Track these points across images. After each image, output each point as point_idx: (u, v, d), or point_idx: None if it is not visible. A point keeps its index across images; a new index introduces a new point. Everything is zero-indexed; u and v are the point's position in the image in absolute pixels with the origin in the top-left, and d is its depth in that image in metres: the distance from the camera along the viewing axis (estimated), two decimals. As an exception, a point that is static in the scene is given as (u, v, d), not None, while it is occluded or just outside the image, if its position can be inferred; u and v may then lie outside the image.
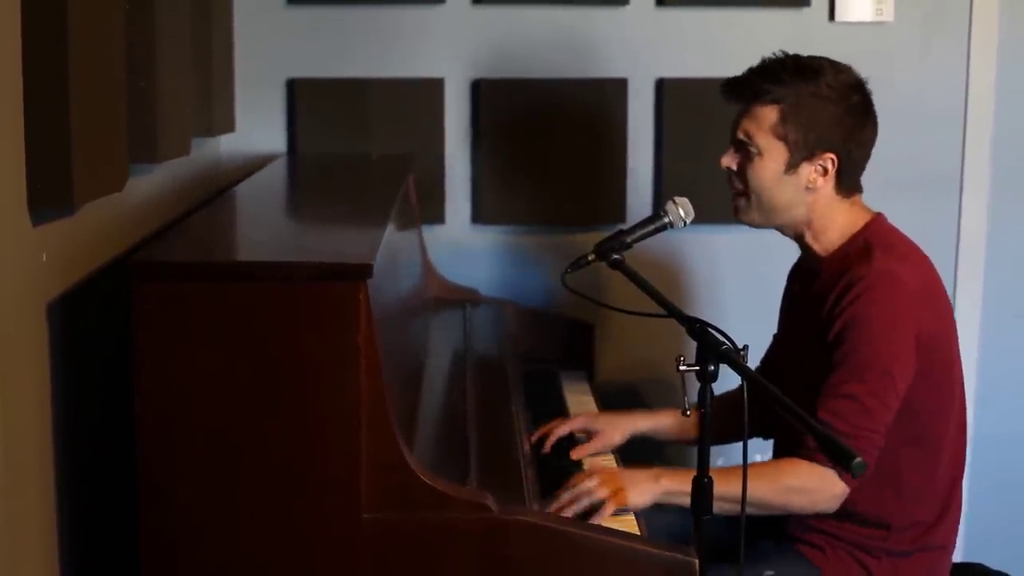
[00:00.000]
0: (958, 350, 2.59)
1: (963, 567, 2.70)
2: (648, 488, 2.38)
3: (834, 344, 2.43)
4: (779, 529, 2.58)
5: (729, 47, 3.56)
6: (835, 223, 2.57)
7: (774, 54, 2.56)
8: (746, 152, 2.55)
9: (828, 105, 2.50)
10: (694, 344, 2.07)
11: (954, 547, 2.62)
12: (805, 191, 2.54)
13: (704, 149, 3.54)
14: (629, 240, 2.45)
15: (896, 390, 2.41)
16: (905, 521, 2.52)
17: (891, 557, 2.53)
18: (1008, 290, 3.72)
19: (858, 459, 1.80)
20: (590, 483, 2.37)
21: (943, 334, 2.53)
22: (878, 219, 2.59)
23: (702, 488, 2.06)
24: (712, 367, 2.02)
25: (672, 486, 2.36)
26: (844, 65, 2.55)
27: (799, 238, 2.62)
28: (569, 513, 2.32)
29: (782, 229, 2.62)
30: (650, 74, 3.58)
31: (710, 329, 2.07)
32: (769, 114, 2.51)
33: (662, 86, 3.57)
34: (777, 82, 2.51)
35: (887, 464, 2.44)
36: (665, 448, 2.93)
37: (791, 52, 2.56)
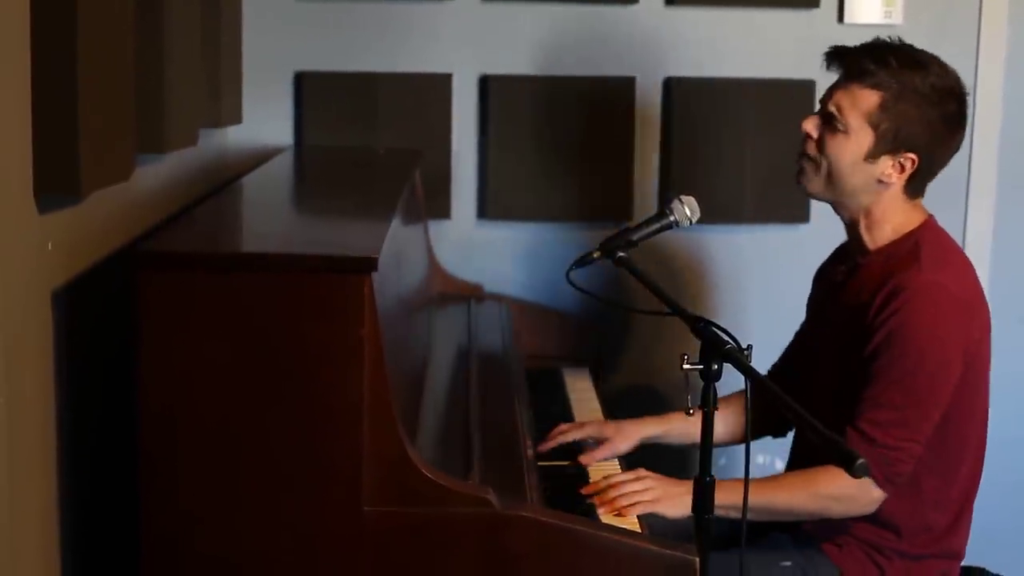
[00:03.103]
0: (990, 361, 2.58)
1: (964, 570, 2.69)
2: (684, 502, 2.33)
3: (876, 353, 2.41)
4: (794, 523, 2.58)
5: (738, 47, 3.57)
6: (892, 220, 2.54)
7: (888, 37, 2.53)
8: (831, 125, 2.51)
9: (925, 105, 2.46)
10: (698, 343, 2.07)
11: (964, 556, 2.62)
12: (876, 183, 2.51)
13: (711, 148, 3.56)
14: (635, 238, 2.45)
15: (939, 402, 2.41)
16: (918, 525, 2.51)
17: (903, 560, 2.52)
18: (1013, 294, 3.72)
19: (860, 461, 1.80)
20: (635, 485, 2.39)
21: (982, 346, 2.52)
22: (929, 221, 2.56)
23: (704, 488, 2.06)
24: (716, 366, 2.03)
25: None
26: (952, 69, 2.51)
27: (852, 224, 2.58)
28: (607, 506, 2.35)
29: (839, 209, 2.59)
30: (658, 73, 3.58)
31: (714, 328, 2.07)
32: (868, 97, 2.47)
33: (670, 85, 3.57)
34: (885, 67, 2.46)
35: None
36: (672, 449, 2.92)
37: (899, 41, 2.52)
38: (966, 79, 3.59)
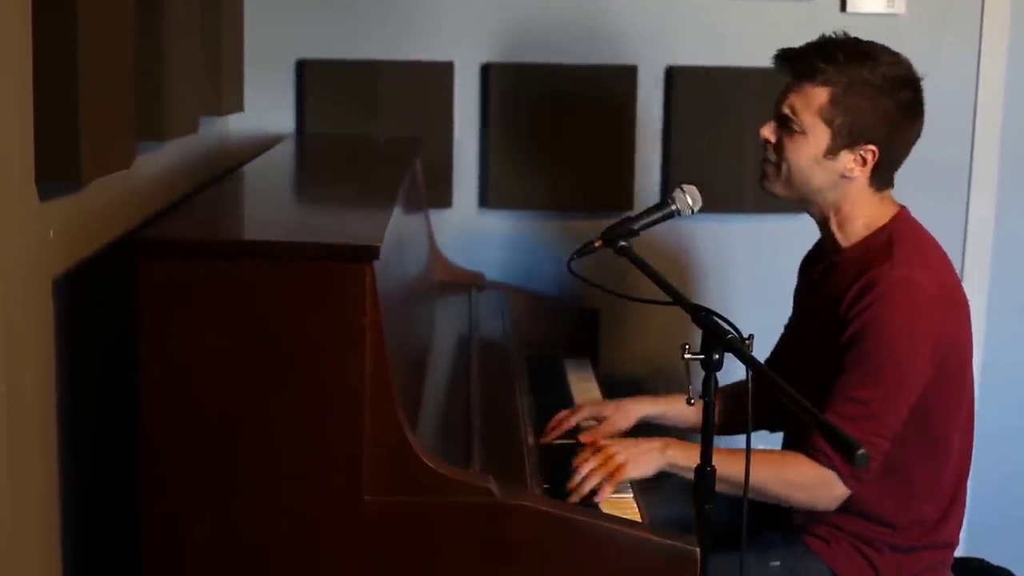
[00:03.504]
0: (971, 351, 2.57)
1: (963, 561, 2.69)
2: (653, 458, 2.37)
3: (847, 347, 2.41)
4: (785, 520, 2.58)
5: (739, 36, 3.56)
6: (862, 215, 2.54)
7: (834, 33, 2.53)
8: (788, 127, 2.52)
9: (878, 96, 2.46)
10: (699, 332, 2.07)
11: (958, 544, 2.62)
12: (840, 178, 2.51)
13: (713, 137, 3.56)
14: (636, 227, 2.45)
15: (907, 398, 2.40)
16: (910, 519, 2.51)
17: (895, 552, 2.52)
18: (1014, 284, 3.72)
19: (861, 450, 1.80)
20: (587, 467, 2.38)
21: (959, 338, 2.51)
22: (902, 213, 2.56)
23: (704, 477, 2.06)
24: (717, 356, 2.03)
25: (679, 459, 2.37)
26: (903, 57, 2.51)
27: (823, 222, 2.59)
28: (575, 495, 2.34)
29: (807, 207, 2.60)
30: (660, 61, 3.57)
31: (715, 317, 2.07)
32: (819, 95, 2.48)
33: (672, 74, 3.56)
34: (832, 63, 2.46)
35: (894, 463, 2.43)
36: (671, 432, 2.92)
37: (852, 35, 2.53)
38: (968, 68, 3.64)
